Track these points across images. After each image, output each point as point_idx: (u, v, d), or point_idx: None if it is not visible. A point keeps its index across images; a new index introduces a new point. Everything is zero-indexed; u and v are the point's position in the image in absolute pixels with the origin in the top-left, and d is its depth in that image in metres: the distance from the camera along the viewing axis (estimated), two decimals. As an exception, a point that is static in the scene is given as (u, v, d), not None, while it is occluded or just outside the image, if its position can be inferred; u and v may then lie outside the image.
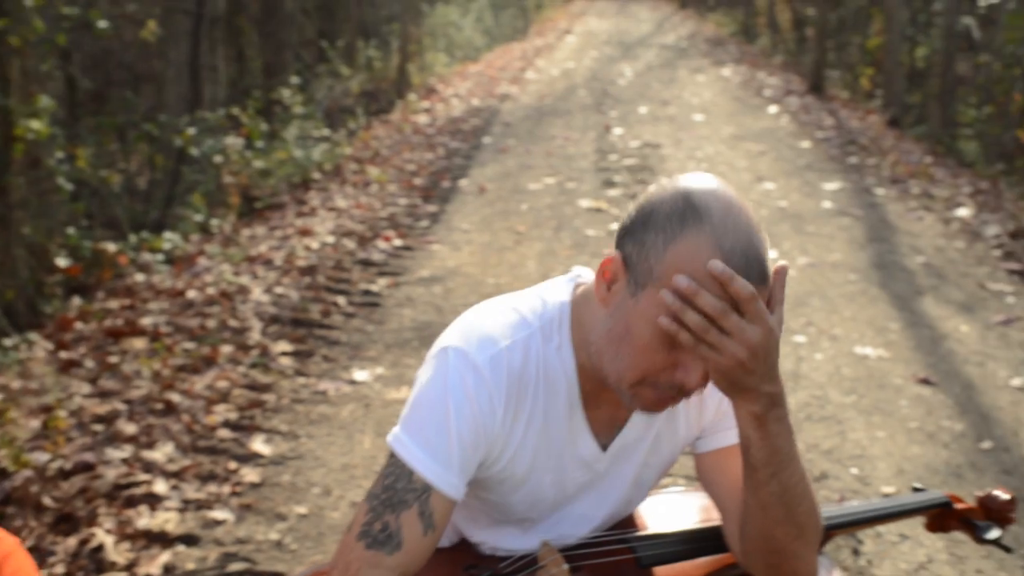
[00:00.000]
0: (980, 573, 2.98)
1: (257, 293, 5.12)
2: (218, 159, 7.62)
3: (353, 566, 1.34)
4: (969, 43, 15.41)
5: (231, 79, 12.24)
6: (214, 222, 6.89)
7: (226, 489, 3.34)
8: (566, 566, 1.41)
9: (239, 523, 3.17)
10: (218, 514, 3.19)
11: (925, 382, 4.28)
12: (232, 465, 3.50)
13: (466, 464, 1.39)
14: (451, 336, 1.44)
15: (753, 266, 1.26)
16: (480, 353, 1.39)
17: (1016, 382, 4.30)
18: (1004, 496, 1.88)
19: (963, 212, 7.13)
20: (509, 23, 21.45)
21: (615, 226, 6.34)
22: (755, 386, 1.30)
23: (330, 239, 6.19)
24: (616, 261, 1.34)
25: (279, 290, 5.20)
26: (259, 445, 3.65)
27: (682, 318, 1.25)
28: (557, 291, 1.49)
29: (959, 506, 1.89)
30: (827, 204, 7.24)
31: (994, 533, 1.85)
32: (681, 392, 1.34)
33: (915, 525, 3.19)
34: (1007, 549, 1.89)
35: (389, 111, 11.97)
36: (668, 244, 1.27)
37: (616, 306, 1.34)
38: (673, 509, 1.76)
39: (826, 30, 13.47)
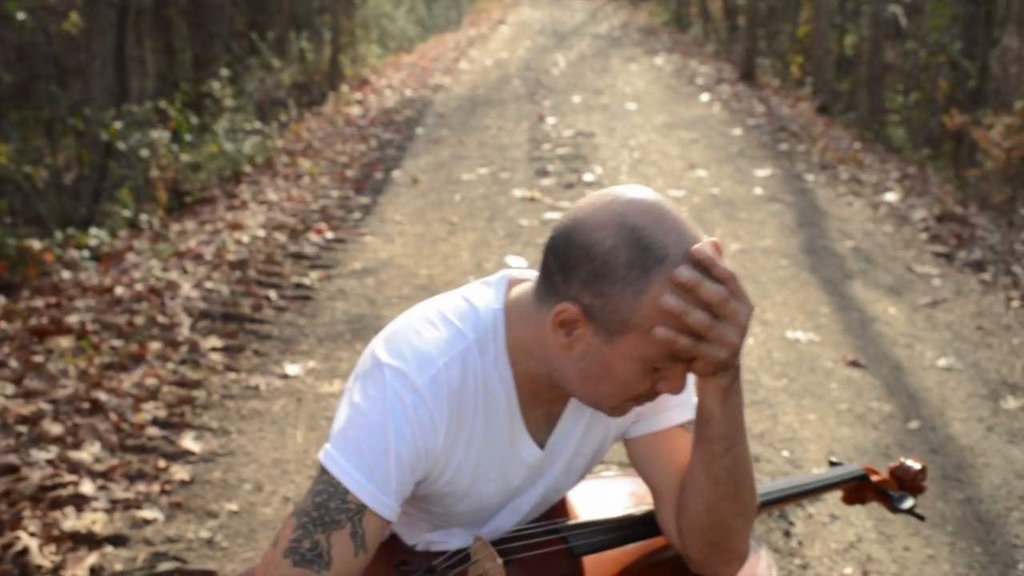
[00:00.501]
0: (908, 550, 3.03)
1: (186, 288, 5.04)
2: (145, 153, 7.49)
3: None
4: (896, 31, 15.66)
5: (159, 72, 12.04)
6: (143, 217, 6.78)
7: (155, 488, 3.29)
8: (500, 560, 1.40)
9: (169, 522, 3.12)
10: (147, 513, 3.14)
11: (854, 364, 4.34)
12: (161, 463, 3.44)
13: (403, 486, 1.36)
14: (386, 351, 1.39)
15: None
16: (420, 374, 1.36)
17: (942, 363, 4.37)
18: (915, 466, 1.92)
19: (891, 197, 7.24)
20: (442, 14, 21.40)
21: (548, 216, 6.37)
22: (735, 363, 1.33)
23: (261, 232, 6.11)
24: (572, 312, 1.31)
25: (209, 285, 5.13)
26: (189, 442, 3.59)
27: (686, 321, 1.26)
28: (488, 296, 1.45)
29: (875, 478, 1.93)
30: (758, 190, 7.31)
31: (908, 503, 1.89)
32: (658, 395, 1.38)
33: (845, 506, 3.23)
34: (920, 517, 1.93)
35: (321, 103, 11.86)
36: (639, 294, 1.26)
37: (584, 352, 1.33)
38: (603, 496, 1.75)
39: (756, 19, 13.60)
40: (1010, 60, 22.31)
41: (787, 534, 3.09)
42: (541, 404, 1.47)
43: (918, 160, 9.61)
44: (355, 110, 11.01)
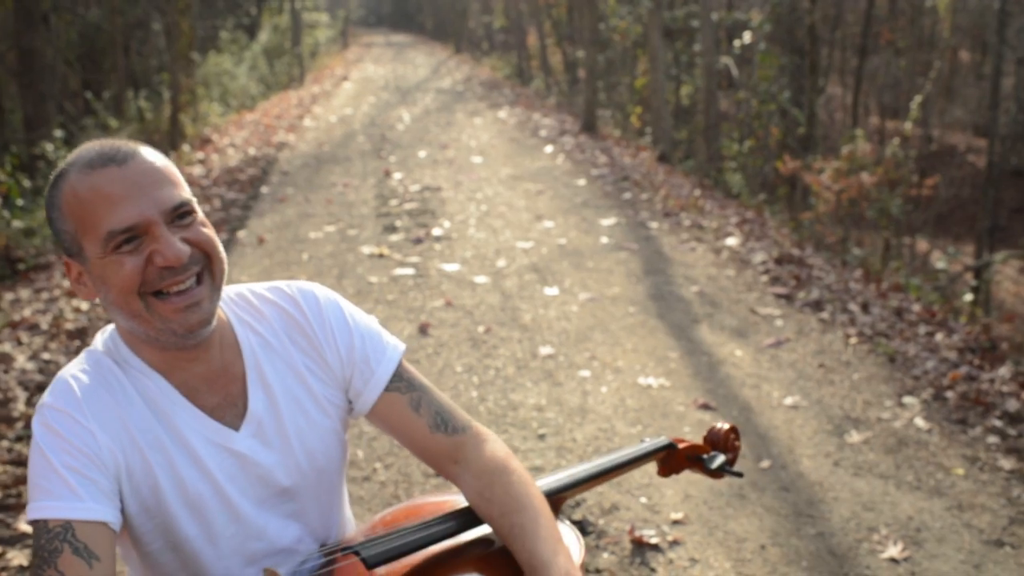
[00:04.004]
0: (766, 590, 3.08)
1: (21, 361, 4.81)
2: (-28, 220, 7.16)
3: None
4: (729, 81, 16.27)
5: (-13, 134, 11.57)
6: (-28, 287, 6.46)
7: (-10, 575, 3.10)
8: None
9: (6, 611, 2.94)
10: (-18, 603, 2.96)
11: (705, 407, 4.42)
12: (-4, 548, 3.25)
13: (93, 488, 1.39)
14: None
15: (113, 153, 1.42)
16: (51, 396, 1.45)
17: (789, 401, 4.50)
18: (724, 426, 2.02)
19: (732, 241, 7.46)
20: (285, 71, 21.22)
21: (398, 271, 6.33)
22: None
23: (101, 299, 5.88)
24: (66, 264, 1.48)
25: (46, 356, 4.90)
26: (26, 525, 3.40)
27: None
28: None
29: (683, 445, 1.97)
30: (605, 239, 7.43)
31: (719, 460, 1.96)
32: (171, 271, 1.42)
33: (705, 548, 3.28)
34: (737, 474, 1.98)
35: (161, 163, 11.55)
36: (59, 209, 1.43)
37: (95, 288, 1.45)
38: (424, 508, 1.73)
39: (595, 71, 13.92)
40: (835, 107, 23.47)
41: (649, 581, 3.11)
42: (207, 394, 1.53)
43: (755, 204, 9.95)
44: (197, 170, 10.78)
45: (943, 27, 22.80)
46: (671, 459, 1.99)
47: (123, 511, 1.46)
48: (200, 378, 1.52)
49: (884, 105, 22.06)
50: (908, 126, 13.25)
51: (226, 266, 1.50)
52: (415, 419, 1.63)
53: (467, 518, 1.62)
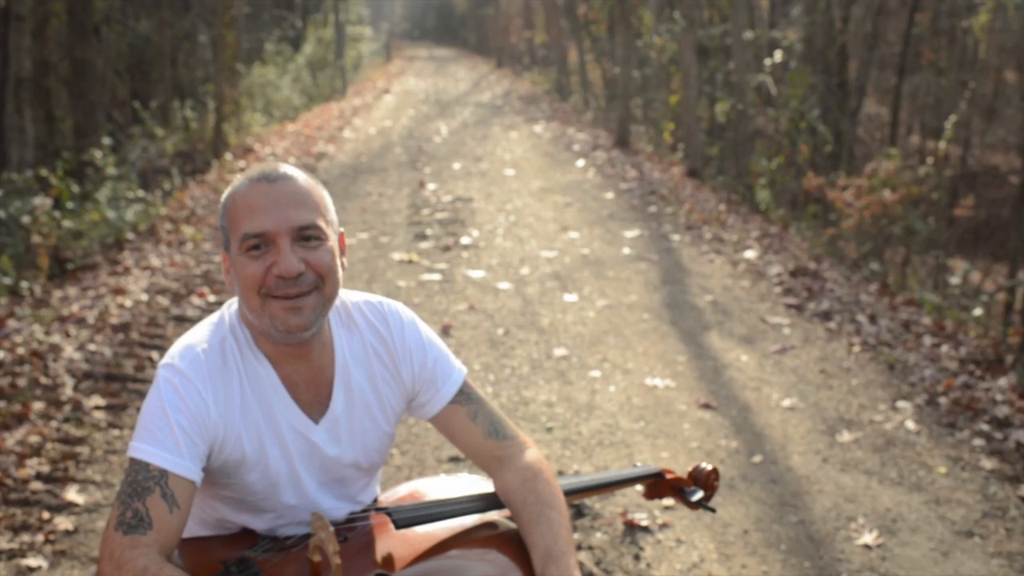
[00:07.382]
0: (745, 567, 3.33)
1: (69, 351, 5.16)
2: (26, 220, 7.54)
3: (116, 552, 1.57)
4: (767, 99, 16.44)
5: (40, 140, 12.02)
6: (23, 284, 6.83)
7: (39, 538, 3.42)
8: (332, 528, 1.68)
9: (53, 568, 3.25)
10: (32, 561, 3.27)
11: (706, 407, 4.68)
12: (46, 515, 3.56)
13: (194, 450, 1.68)
14: (163, 360, 1.76)
15: (270, 173, 1.73)
16: (182, 360, 1.73)
17: (786, 403, 4.74)
18: (708, 467, 2.26)
19: (750, 254, 7.70)
20: (327, 83, 21.66)
21: (425, 277, 6.64)
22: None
23: (144, 297, 6.24)
24: (223, 256, 1.78)
25: (92, 347, 5.25)
26: (73, 495, 3.72)
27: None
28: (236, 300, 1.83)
29: (670, 476, 2.24)
30: (626, 250, 7.70)
31: (697, 495, 2.22)
32: (287, 281, 1.68)
33: (691, 531, 3.53)
34: (711, 509, 2.25)
35: (205, 171, 11.97)
36: (224, 209, 1.75)
37: (232, 278, 1.75)
38: (442, 488, 2.07)
39: (630, 88, 14.18)
40: (875, 126, 23.48)
41: (637, 558, 3.37)
42: (304, 390, 1.82)
43: (781, 220, 10.17)
44: (239, 178, 11.13)
45: (982, 48, 22.80)
46: (658, 486, 2.27)
47: (204, 467, 1.73)
48: (300, 375, 1.80)
49: (925, 125, 22.09)
50: (942, 146, 13.38)
51: (339, 288, 1.79)
52: (472, 427, 1.93)
53: (485, 503, 1.94)
